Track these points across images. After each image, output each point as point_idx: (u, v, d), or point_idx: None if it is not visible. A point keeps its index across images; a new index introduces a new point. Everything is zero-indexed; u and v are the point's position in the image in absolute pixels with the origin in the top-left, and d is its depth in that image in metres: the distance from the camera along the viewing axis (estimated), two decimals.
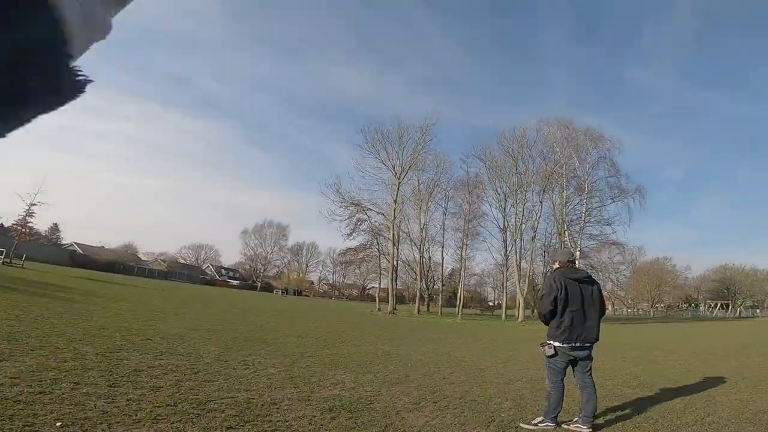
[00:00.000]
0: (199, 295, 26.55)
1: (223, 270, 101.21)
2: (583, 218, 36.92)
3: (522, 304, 34.40)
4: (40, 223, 65.75)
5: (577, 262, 31.69)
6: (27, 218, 26.80)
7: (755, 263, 70.98)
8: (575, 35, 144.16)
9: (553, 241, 44.59)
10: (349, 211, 36.08)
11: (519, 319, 32.88)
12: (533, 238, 39.10)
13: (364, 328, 15.94)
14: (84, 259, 58.13)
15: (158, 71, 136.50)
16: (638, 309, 73.80)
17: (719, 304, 63.53)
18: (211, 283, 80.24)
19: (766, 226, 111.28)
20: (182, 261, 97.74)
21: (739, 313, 60.12)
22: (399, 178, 35.21)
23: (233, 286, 79.50)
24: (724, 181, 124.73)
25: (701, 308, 70.61)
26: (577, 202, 38.85)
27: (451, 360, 8.99)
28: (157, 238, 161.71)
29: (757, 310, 63.67)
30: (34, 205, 26.84)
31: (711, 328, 29.14)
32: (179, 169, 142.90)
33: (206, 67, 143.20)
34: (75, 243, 70.16)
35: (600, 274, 46.02)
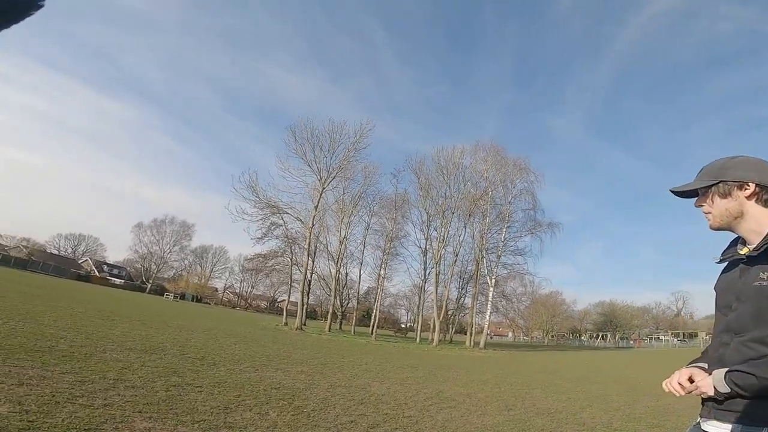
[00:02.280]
0: (39, 286, 20.32)
1: (105, 266, 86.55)
2: (500, 247, 37.60)
3: (437, 328, 33.22)
4: None
5: (491, 290, 31.63)
6: None
7: (626, 300, 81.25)
8: (511, 79, 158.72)
9: (469, 267, 45.28)
10: (263, 213, 31.89)
11: (434, 343, 31.52)
12: (454, 262, 38.74)
13: (259, 345, 12.58)
14: None
15: (84, 44, 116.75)
16: (533, 337, 79.50)
17: (600, 335, 70.86)
18: (87, 279, 67.48)
19: (630, 271, 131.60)
20: (53, 251, 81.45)
21: (617, 343, 67.36)
22: (323, 184, 32.20)
23: (115, 285, 67.62)
24: (603, 231, 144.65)
25: (583, 338, 78.39)
26: (495, 230, 39.73)
27: (368, 400, 6.37)
28: (28, 223, 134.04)
29: (631, 342, 72.32)
30: None
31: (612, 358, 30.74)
32: (76, 148, 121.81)
33: (144, 48, 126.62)
34: None
35: (507, 302, 47.94)
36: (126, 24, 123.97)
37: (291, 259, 35.94)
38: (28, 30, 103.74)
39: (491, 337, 75.10)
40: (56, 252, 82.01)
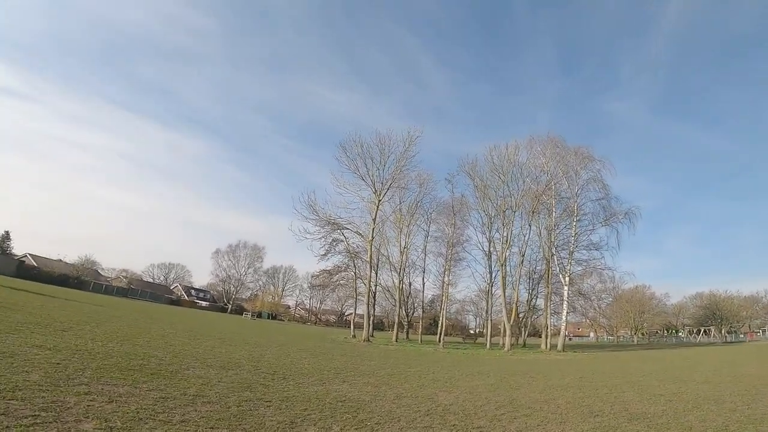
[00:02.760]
0: (137, 311, 22.86)
1: (192, 290, 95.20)
2: (572, 242, 34.93)
3: (508, 332, 31.61)
4: None
5: (565, 289, 29.41)
6: None
7: (731, 290, 70.77)
8: (557, 68, 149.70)
9: (539, 267, 42.65)
10: (325, 230, 32.97)
11: (505, 348, 30.00)
12: (520, 263, 36.80)
13: (327, 358, 12.89)
14: (33, 272, 52.74)
15: (147, 84, 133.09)
16: (619, 336, 72.35)
17: (702, 330, 62.48)
18: (178, 303, 74.75)
19: (729, 256, 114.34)
20: (149, 279, 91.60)
21: (725, 337, 59.03)
22: (379, 196, 32.54)
23: (202, 308, 74.20)
24: (692, 215, 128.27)
25: (681, 334, 69.82)
26: (564, 225, 37.07)
27: (434, 411, 6.15)
28: (126, 255, 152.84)
29: (741, 335, 62.77)
30: None
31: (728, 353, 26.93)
32: (155, 184, 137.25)
33: (197, 83, 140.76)
34: (29, 254, 64.22)
35: (585, 301, 44.24)
36: (178, 60, 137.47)
37: (354, 273, 36.70)
38: (100, 73, 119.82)
39: (570, 339, 69.80)
40: (151, 280, 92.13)
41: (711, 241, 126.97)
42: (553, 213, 35.34)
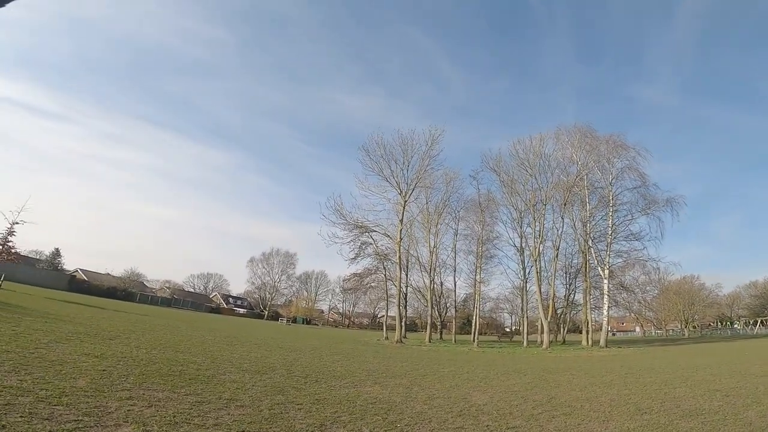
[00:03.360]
0: (179, 320, 23.87)
1: (230, 298, 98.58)
2: (610, 234, 33.34)
3: (546, 329, 30.58)
4: (41, 246, 64.87)
5: (605, 283, 28.05)
6: (8, 237, 24.74)
7: None
8: (578, 56, 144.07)
9: (575, 260, 41.04)
10: (353, 234, 33.27)
11: (543, 346, 29.04)
12: (555, 257, 35.57)
13: (360, 361, 12.93)
14: (84, 285, 56.43)
15: (172, 100, 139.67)
16: (668, 330, 68.14)
17: (759, 321, 57.76)
18: (217, 311, 77.64)
19: None
20: (189, 289, 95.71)
21: None
22: (405, 197, 32.50)
23: (240, 315, 76.61)
24: (741, 199, 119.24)
25: (737, 326, 64.98)
26: (600, 216, 35.49)
27: (467, 411, 6.00)
28: (168, 266, 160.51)
29: None
30: (16, 224, 24.88)
31: None
32: (189, 197, 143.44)
33: (217, 95, 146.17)
34: (80, 269, 68.88)
35: (628, 294, 42.04)
36: (198, 74, 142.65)
37: (385, 275, 36.80)
38: (127, 92, 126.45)
39: (613, 334, 66.55)
40: (192, 289, 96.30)
41: (763, 224, 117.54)
42: (587, 204, 33.94)
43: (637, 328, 78.95)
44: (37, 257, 60.93)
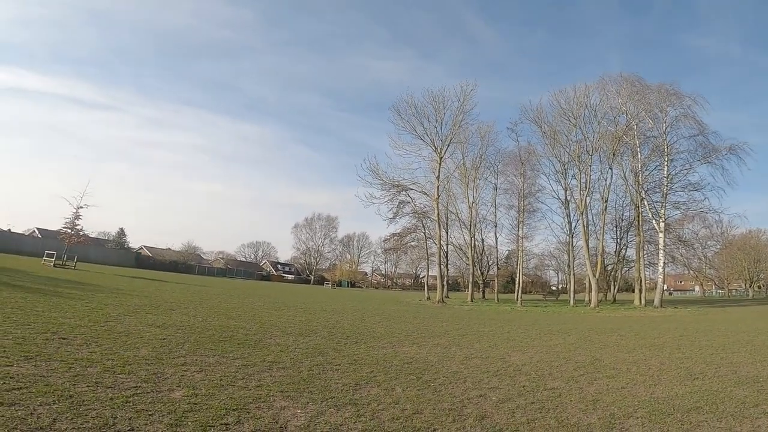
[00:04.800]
0: (232, 288, 25.70)
1: (279, 265, 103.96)
2: (665, 184, 30.79)
3: (594, 287, 29.59)
4: (109, 228, 71.34)
5: (661, 237, 26.23)
6: (75, 221, 27.44)
7: None
8: (622, 7, 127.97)
9: (626, 213, 38.67)
10: (390, 194, 33.34)
11: (591, 305, 28.25)
12: (604, 210, 33.67)
13: (400, 322, 13.29)
14: (149, 261, 61.84)
15: (207, 81, 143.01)
16: (731, 290, 63.37)
17: None
18: (267, 278, 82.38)
19: None
20: (241, 258, 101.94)
21: None
22: (440, 154, 31.78)
23: (288, 281, 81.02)
24: None
25: None
26: (654, 166, 32.73)
27: (504, 371, 6.00)
28: (220, 238, 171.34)
29: None
30: (81, 208, 27.43)
31: None
32: (235, 172, 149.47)
33: (250, 73, 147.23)
34: (144, 246, 75.47)
35: (687, 250, 39.28)
36: (229, 54, 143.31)
37: (424, 234, 36.96)
38: (163, 77, 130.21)
39: (670, 293, 63.21)
40: (244, 259, 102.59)
41: None
42: (639, 154, 31.35)
43: (697, 288, 74.10)
44: (106, 238, 67.13)
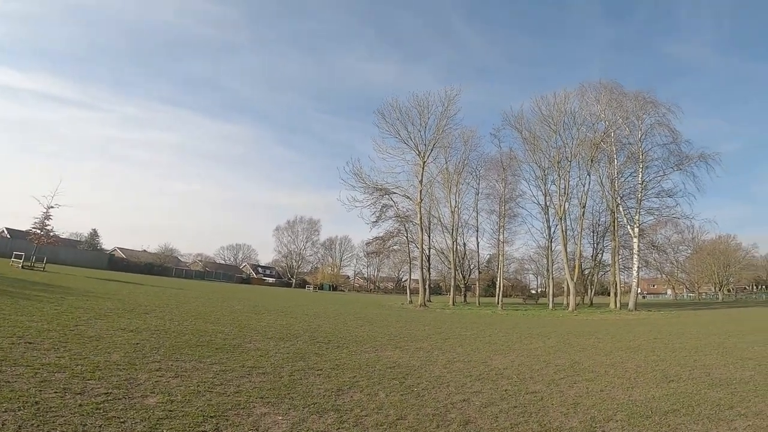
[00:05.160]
0: (211, 291, 25.06)
1: (259, 268, 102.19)
2: (639, 190, 31.88)
3: (572, 290, 30.26)
4: (81, 229, 68.74)
5: (635, 242, 27.16)
6: (45, 221, 26.25)
7: None
8: (604, 13, 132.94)
9: (603, 219, 39.80)
10: (373, 197, 33.30)
11: (570, 308, 28.87)
12: (581, 215, 34.54)
13: (382, 326, 13.21)
14: (123, 263, 59.71)
15: (189, 80, 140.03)
16: (701, 293, 66.02)
17: None
18: (248, 281, 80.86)
19: None
20: (221, 261, 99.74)
21: None
22: (423, 158, 32.00)
23: (268, 284, 79.62)
24: None
25: None
26: (629, 173, 33.87)
27: (486, 374, 6.02)
28: (199, 240, 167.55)
29: None
30: (52, 207, 26.28)
31: None
32: (215, 172, 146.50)
33: (233, 72, 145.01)
34: (118, 248, 72.88)
35: (659, 254, 40.76)
36: (213, 53, 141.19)
37: (407, 238, 37.00)
38: (143, 75, 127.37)
39: (643, 297, 65.19)
40: (223, 261, 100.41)
41: None
42: (615, 160, 32.40)
43: (669, 291, 76.95)
44: (78, 239, 64.55)
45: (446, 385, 5.18)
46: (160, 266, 63.71)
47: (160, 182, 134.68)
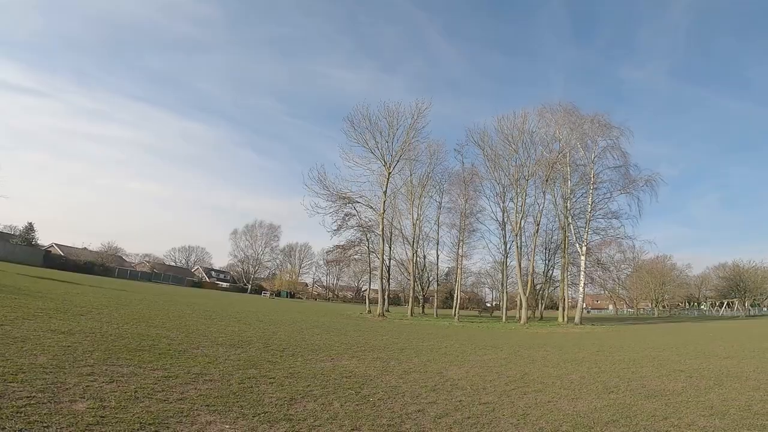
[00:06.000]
0: (158, 294, 23.53)
1: (213, 272, 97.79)
2: (589, 211, 34.03)
3: (524, 304, 31.46)
4: (17, 222, 62.54)
5: (582, 259, 28.85)
6: None
7: (755, 261, 67.96)
8: (571, 36, 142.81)
9: (555, 237, 41.93)
10: (336, 205, 32.97)
11: (521, 321, 29.96)
12: (536, 232, 36.21)
13: (339, 334, 12.99)
14: (60, 260, 54.88)
15: (157, 76, 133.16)
16: (639, 309, 71.21)
17: (725, 303, 60.79)
18: (200, 285, 76.91)
19: (759, 224, 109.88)
20: (171, 263, 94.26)
21: (748, 311, 57.46)
22: (389, 169, 32.24)
23: (222, 289, 76.20)
24: (719, 181, 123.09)
25: (703, 307, 68.30)
26: (581, 193, 36.10)
27: (441, 386, 6.05)
28: (148, 241, 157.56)
29: (765, 308, 61.11)
30: None
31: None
32: (174, 172, 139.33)
33: (205, 71, 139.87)
34: (55, 244, 66.85)
35: (603, 272, 43.48)
36: (185, 50, 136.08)
37: (368, 247, 36.90)
38: (109, 68, 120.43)
39: (588, 311, 69.06)
40: (173, 263, 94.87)
41: (739, 209, 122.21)
42: (569, 181, 34.40)
43: (611, 306, 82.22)
44: (11, 233, 58.62)
45: (402, 395, 5.15)
46: (101, 265, 59.16)
47: (113, 179, 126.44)
